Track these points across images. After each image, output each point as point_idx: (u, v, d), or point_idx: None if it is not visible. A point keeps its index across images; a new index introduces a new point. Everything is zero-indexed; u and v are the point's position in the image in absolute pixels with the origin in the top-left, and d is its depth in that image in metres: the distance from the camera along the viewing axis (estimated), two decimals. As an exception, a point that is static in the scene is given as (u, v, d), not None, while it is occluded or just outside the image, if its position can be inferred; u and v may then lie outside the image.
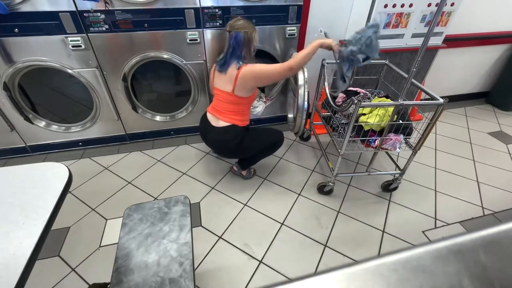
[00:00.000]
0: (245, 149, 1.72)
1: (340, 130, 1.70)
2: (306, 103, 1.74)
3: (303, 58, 1.47)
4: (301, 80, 1.75)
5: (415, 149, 1.64)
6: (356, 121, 1.45)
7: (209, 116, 1.73)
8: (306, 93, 1.73)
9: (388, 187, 1.88)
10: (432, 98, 1.46)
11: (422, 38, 1.26)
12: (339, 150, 1.59)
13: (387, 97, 1.81)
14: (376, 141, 1.60)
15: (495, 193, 1.95)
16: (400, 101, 1.40)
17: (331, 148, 2.35)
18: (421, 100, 2.57)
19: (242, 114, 1.68)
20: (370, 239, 1.59)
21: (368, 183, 1.98)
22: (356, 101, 1.37)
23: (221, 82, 1.61)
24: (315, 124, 2.31)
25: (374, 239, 1.60)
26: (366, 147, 1.70)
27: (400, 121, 1.53)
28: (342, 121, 1.75)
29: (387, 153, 2.00)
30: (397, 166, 1.84)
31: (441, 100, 1.41)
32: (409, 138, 1.65)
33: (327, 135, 2.44)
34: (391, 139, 1.58)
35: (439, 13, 1.15)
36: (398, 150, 1.62)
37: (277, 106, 2.50)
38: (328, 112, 1.91)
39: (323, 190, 1.84)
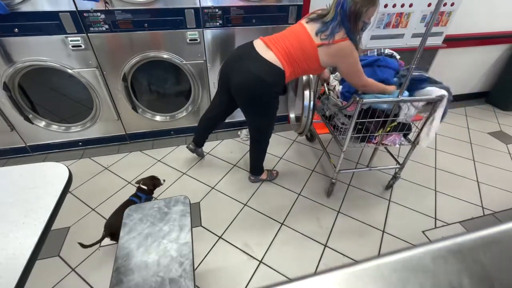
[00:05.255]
0: (261, 110, 1.51)
1: (342, 128, 1.70)
2: (311, 102, 1.73)
3: (375, 89, 1.44)
4: (305, 80, 1.74)
5: (414, 143, 1.65)
6: (358, 118, 1.46)
7: (258, 42, 1.40)
8: (311, 92, 1.72)
9: (389, 182, 1.90)
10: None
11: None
12: (341, 147, 1.60)
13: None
14: (377, 137, 1.61)
15: (495, 193, 1.95)
16: (400, 98, 1.40)
17: (331, 147, 2.35)
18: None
19: (296, 66, 1.37)
20: (370, 239, 1.60)
21: (368, 183, 1.98)
22: (358, 98, 1.37)
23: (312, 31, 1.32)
24: (315, 122, 2.30)
25: (374, 239, 1.60)
26: (367, 143, 1.71)
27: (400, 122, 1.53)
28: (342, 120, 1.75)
29: (387, 149, 2.00)
30: (396, 161, 1.84)
31: (441, 92, 1.41)
32: (408, 133, 1.66)
33: (328, 134, 2.44)
34: (392, 134, 1.59)
35: (436, 12, 1.15)
36: (397, 145, 1.63)
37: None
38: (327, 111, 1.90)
39: (327, 188, 1.84)
